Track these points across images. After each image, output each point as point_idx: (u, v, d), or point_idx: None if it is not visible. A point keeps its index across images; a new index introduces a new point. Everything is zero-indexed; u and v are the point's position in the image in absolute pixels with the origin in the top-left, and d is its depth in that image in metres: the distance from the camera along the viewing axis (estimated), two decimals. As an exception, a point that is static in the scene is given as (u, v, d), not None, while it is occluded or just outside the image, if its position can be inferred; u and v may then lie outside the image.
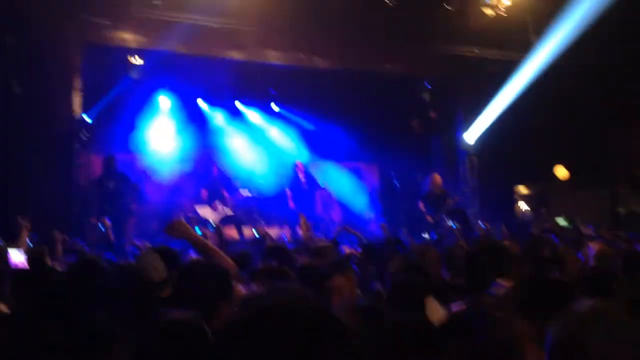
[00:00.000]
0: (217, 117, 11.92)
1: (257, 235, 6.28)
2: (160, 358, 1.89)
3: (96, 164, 9.90)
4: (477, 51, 11.24)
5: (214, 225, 8.72)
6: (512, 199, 12.46)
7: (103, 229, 7.19)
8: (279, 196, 11.29)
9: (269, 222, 10.48)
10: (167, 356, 1.88)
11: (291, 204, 10.62)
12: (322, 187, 11.48)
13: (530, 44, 10.64)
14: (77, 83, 9.20)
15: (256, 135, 12.15)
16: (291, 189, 10.78)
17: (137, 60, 9.73)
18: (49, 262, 4.28)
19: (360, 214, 11.92)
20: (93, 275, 3.36)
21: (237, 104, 12.01)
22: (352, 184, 12.43)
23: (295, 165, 11.00)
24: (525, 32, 10.73)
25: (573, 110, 11.46)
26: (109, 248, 5.45)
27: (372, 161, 12.93)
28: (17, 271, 4.09)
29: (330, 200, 12.16)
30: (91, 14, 9.07)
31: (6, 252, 4.46)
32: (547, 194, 12.32)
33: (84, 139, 9.32)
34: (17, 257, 4.59)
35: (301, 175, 10.85)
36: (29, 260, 4.30)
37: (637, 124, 12.07)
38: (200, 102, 11.68)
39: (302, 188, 10.79)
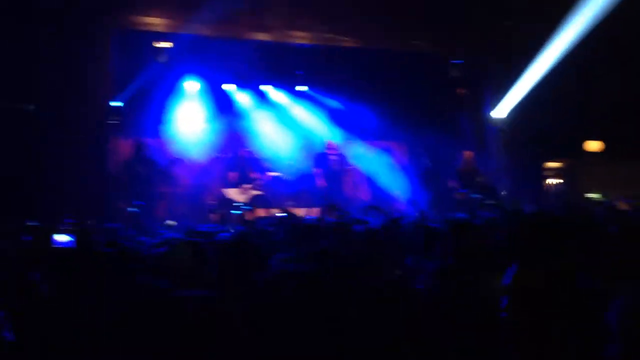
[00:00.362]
0: (245, 100, 11.97)
1: (284, 215, 6.32)
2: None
3: (126, 148, 10.07)
4: (506, 25, 11.01)
5: (245, 206, 8.82)
6: (543, 175, 12.27)
7: (134, 212, 7.34)
8: (309, 177, 11.32)
9: (298, 203, 10.54)
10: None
11: (321, 184, 10.64)
12: (352, 166, 11.46)
13: (562, 15, 10.38)
14: (108, 68, 9.32)
15: (284, 117, 12.17)
16: (321, 169, 10.79)
17: (164, 45, 9.81)
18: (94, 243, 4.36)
19: (390, 193, 11.88)
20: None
21: (265, 85, 12.03)
22: (382, 163, 12.38)
23: (327, 145, 10.99)
24: (556, 4, 10.47)
25: (605, 81, 11.18)
26: (141, 231, 5.55)
27: (401, 140, 12.85)
28: (63, 251, 4.20)
29: (360, 179, 12.15)
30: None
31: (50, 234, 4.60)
32: (579, 168, 12.09)
33: (115, 123, 9.48)
34: (62, 238, 4.71)
35: (332, 155, 10.83)
36: (76, 241, 4.40)
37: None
38: (227, 85, 11.73)
39: (331, 168, 10.79)
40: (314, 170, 10.96)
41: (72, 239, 4.61)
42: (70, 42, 8.78)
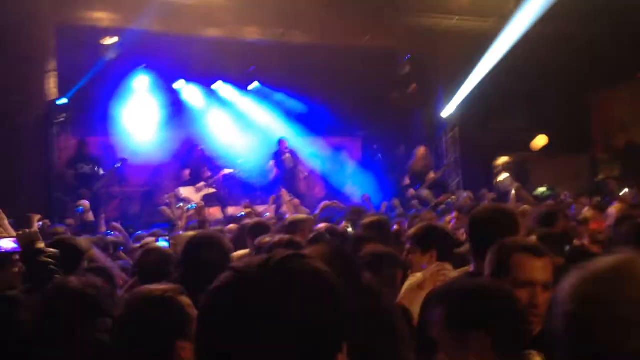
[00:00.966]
0: (197, 96, 11.76)
1: (242, 213, 6.24)
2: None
3: (74, 147, 9.76)
4: (455, 21, 11.18)
5: (196, 204, 8.66)
6: (493, 170, 12.52)
7: (80, 213, 7.12)
8: (263, 174, 11.24)
9: (253, 201, 10.43)
10: None
11: (275, 181, 10.57)
12: (306, 163, 11.42)
13: (509, 13, 10.60)
14: (52, 65, 9.00)
15: (238, 114, 12.02)
16: (275, 166, 10.70)
17: (112, 40, 9.53)
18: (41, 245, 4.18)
19: (344, 189, 11.91)
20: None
21: (217, 82, 11.85)
22: (335, 159, 12.39)
23: (280, 142, 10.90)
24: (503, 1, 10.70)
25: (552, 78, 11.49)
26: (88, 231, 5.39)
27: (354, 136, 12.90)
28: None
29: (313, 176, 12.13)
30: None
31: None
32: (526, 163, 12.39)
33: (61, 122, 9.15)
34: (7, 244, 4.48)
35: (286, 152, 10.77)
36: (21, 245, 4.20)
37: (615, 91, 12.17)
38: (179, 81, 11.50)
39: (286, 165, 10.72)
40: (268, 167, 10.87)
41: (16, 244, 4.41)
42: (12, 36, 8.45)
